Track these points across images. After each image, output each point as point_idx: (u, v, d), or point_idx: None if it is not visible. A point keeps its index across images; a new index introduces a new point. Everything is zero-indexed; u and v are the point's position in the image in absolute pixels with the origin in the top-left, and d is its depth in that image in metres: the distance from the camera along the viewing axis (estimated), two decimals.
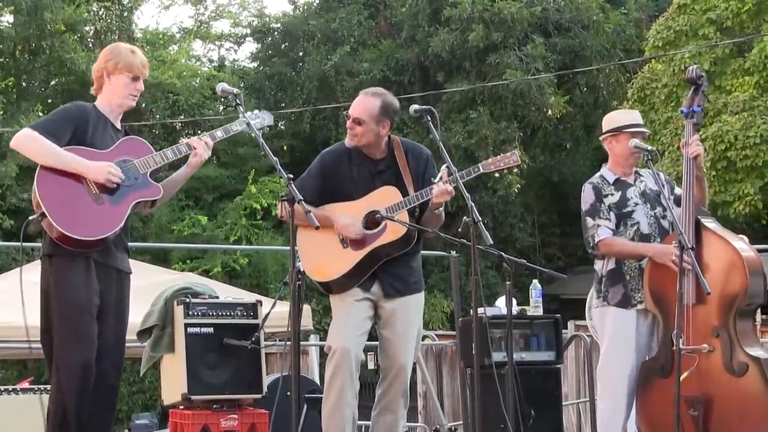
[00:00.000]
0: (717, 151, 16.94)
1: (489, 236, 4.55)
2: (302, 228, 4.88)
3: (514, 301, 5.47)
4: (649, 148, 5.36)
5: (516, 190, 21.68)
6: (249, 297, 7.07)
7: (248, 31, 26.79)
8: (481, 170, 5.02)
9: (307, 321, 10.03)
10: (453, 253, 8.67)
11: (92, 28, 22.54)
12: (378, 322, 5.11)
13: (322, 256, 5.02)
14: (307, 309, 10.25)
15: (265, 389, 5.78)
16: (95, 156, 4.56)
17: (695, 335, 5.11)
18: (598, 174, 5.57)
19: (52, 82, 22.08)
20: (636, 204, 5.43)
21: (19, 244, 4.74)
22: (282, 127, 24.51)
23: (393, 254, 5.02)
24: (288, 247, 4.56)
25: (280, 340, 8.84)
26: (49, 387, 4.82)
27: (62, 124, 4.58)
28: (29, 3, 19.49)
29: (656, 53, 18.87)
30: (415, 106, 4.97)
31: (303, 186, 4.87)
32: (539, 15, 22.07)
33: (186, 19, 36.33)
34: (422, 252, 5.30)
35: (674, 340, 5.03)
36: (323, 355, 6.47)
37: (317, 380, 7.57)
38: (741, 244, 5.25)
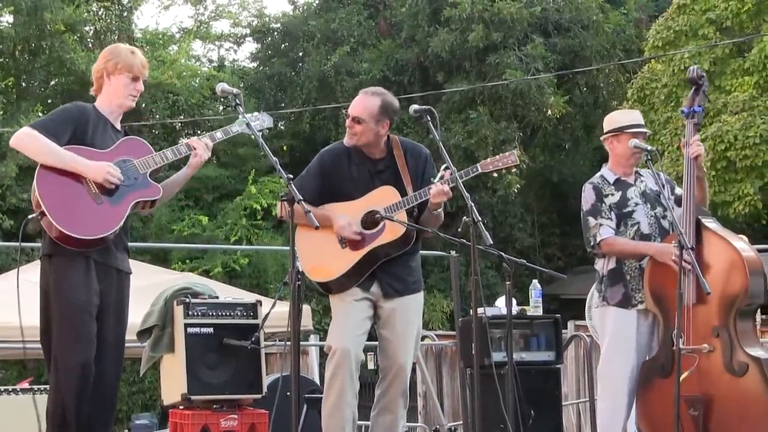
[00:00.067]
0: (717, 151, 16.93)
1: (489, 236, 4.54)
2: (301, 228, 4.86)
3: (514, 301, 5.47)
4: (649, 148, 5.36)
5: (516, 190, 21.67)
6: (249, 297, 7.06)
7: (248, 31, 26.77)
8: (480, 170, 5.02)
9: (307, 321, 10.03)
10: (453, 253, 8.66)
11: (92, 28, 22.52)
12: (377, 322, 5.10)
13: (321, 256, 5.02)
14: (306, 309, 10.25)
15: (265, 389, 5.77)
16: (95, 156, 4.56)
17: (695, 335, 5.11)
18: (598, 174, 5.56)
19: (52, 82, 22.07)
20: (636, 204, 5.43)
21: (18, 244, 4.73)
22: (282, 127, 24.49)
23: (392, 254, 5.01)
24: (288, 247, 4.55)
25: (279, 340, 8.84)
26: (46, 387, 4.81)
27: (62, 124, 4.58)
28: (29, 3, 19.48)
29: (656, 53, 18.86)
30: (414, 106, 4.96)
31: (302, 185, 4.86)
32: (539, 15, 22.05)
33: (186, 19, 36.39)
34: (422, 252, 5.30)
35: (674, 340, 5.03)
36: (323, 355, 6.47)
37: (317, 380, 7.57)
38: (741, 244, 5.25)
